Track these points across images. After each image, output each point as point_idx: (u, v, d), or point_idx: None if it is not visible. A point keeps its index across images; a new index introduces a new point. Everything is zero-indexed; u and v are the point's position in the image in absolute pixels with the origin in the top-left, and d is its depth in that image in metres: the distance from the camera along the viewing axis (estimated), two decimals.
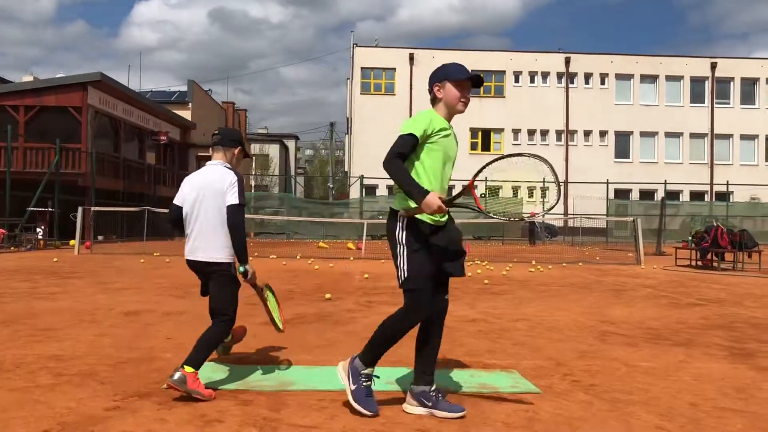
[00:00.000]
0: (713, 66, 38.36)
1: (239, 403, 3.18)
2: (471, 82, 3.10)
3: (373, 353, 3.06)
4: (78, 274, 10.13)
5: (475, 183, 3.02)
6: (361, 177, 33.57)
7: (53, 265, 11.93)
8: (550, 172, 3.03)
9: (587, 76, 38.12)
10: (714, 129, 38.42)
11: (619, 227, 30.98)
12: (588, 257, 17.41)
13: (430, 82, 3.15)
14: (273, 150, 60.45)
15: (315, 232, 30.45)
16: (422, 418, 2.99)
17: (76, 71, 54.66)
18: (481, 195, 3.14)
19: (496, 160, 3.12)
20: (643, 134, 38.43)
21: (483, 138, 38.34)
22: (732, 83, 38.60)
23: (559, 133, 38.25)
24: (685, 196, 36.82)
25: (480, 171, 3.08)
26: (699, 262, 14.06)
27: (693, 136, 38.50)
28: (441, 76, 3.11)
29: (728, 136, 38.49)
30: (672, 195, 35.64)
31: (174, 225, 3.68)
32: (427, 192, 2.85)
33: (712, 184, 37.73)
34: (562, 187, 2.97)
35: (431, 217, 2.97)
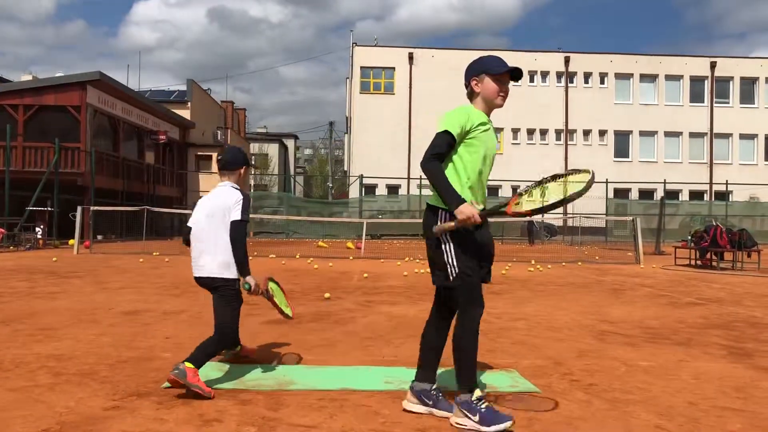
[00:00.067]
0: (712, 65, 38.37)
1: (238, 402, 3.18)
2: (510, 75, 2.98)
3: (467, 375, 2.90)
4: (77, 274, 10.12)
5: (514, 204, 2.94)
6: (361, 176, 33.57)
7: (52, 265, 11.93)
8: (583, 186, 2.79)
9: (587, 76, 38.12)
10: (713, 128, 38.43)
11: (618, 227, 31.02)
12: (587, 257, 17.42)
13: (467, 75, 3.04)
14: (272, 149, 60.46)
15: (314, 232, 30.46)
16: (421, 417, 2.99)
17: (76, 70, 54.62)
18: (516, 204, 2.97)
19: (541, 183, 2.99)
20: (642, 134, 38.44)
21: None
22: (731, 83, 38.61)
23: (558, 132, 38.25)
24: (684, 196, 36.85)
25: (521, 194, 2.98)
26: (698, 262, 14.07)
27: (692, 135, 38.51)
28: (478, 69, 3.00)
29: (727, 136, 38.50)
30: (671, 194, 35.67)
31: (188, 245, 3.80)
32: (463, 200, 2.78)
33: (711, 183, 37.75)
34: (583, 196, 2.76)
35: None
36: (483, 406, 2.82)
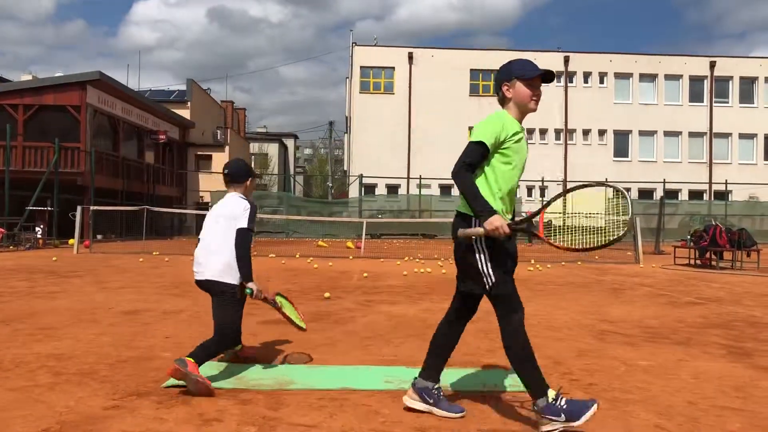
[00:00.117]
0: (712, 65, 38.37)
1: (238, 402, 3.18)
2: (541, 78, 2.93)
3: (536, 380, 2.83)
4: (77, 273, 10.12)
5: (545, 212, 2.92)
6: (360, 176, 33.56)
7: (52, 264, 11.93)
8: (627, 207, 2.85)
9: (586, 75, 38.11)
10: (713, 128, 38.43)
11: None
12: (587, 256, 17.42)
13: (497, 81, 2.99)
14: (272, 149, 60.41)
15: (314, 231, 30.45)
16: (421, 417, 2.99)
17: (75, 70, 54.61)
18: (546, 222, 2.94)
19: (573, 189, 2.98)
20: (642, 133, 38.44)
21: None
22: (731, 82, 38.61)
23: (558, 132, 38.24)
24: (683, 195, 36.87)
25: (551, 201, 2.97)
26: (698, 261, 14.07)
27: (692, 135, 38.51)
28: (509, 74, 2.95)
29: (727, 135, 38.50)
30: (671, 194, 35.69)
31: None
32: (493, 211, 2.75)
33: (710, 183, 37.76)
34: (633, 226, 2.78)
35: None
36: (562, 402, 2.76)
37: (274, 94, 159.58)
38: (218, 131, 38.89)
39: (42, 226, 19.88)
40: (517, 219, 2.93)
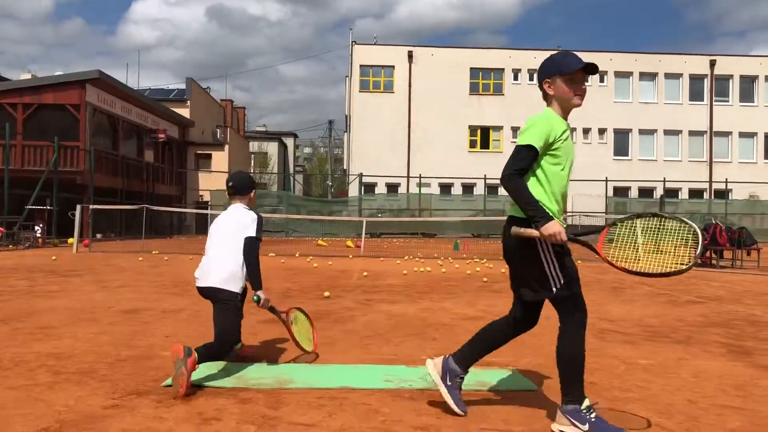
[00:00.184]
0: (712, 64, 38.37)
1: (238, 401, 3.18)
2: (584, 71, 2.79)
3: (577, 384, 2.79)
4: (77, 272, 10.12)
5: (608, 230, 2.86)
6: (360, 175, 33.56)
7: (52, 264, 11.92)
8: (698, 246, 2.78)
9: None
10: (713, 126, 38.44)
11: None
12: (587, 255, 17.40)
13: (539, 78, 2.88)
14: (272, 148, 60.40)
15: (314, 230, 30.47)
16: (421, 416, 2.99)
17: (75, 69, 54.47)
18: (608, 240, 2.86)
19: (643, 216, 2.90)
20: (642, 132, 38.44)
21: (482, 136, 38.34)
22: (731, 81, 38.61)
23: None
24: (683, 194, 36.88)
25: (620, 221, 2.90)
26: (698, 260, 14.06)
27: (692, 133, 38.52)
28: (549, 70, 2.83)
29: (727, 134, 38.51)
30: (671, 193, 35.72)
31: None
32: (550, 218, 2.65)
33: (711, 181, 37.77)
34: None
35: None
36: (593, 415, 2.72)
37: (274, 92, 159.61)
38: (218, 130, 38.89)
39: (41, 225, 19.88)
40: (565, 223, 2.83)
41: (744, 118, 38.23)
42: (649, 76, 38.54)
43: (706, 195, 37.37)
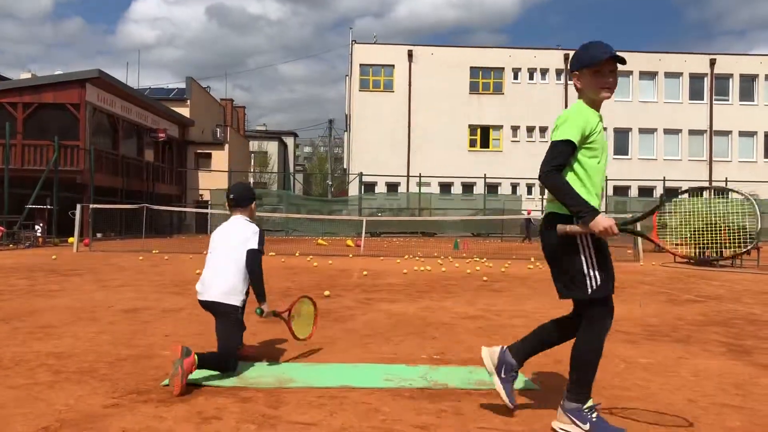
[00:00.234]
0: (712, 63, 38.36)
1: (238, 400, 3.18)
2: (612, 62, 2.70)
3: (585, 386, 2.75)
4: (77, 272, 10.12)
5: (658, 215, 2.76)
6: (360, 174, 33.56)
7: (52, 263, 11.93)
8: (755, 214, 2.67)
9: None
10: (713, 126, 38.44)
11: None
12: None
13: (570, 71, 2.82)
14: (272, 147, 60.42)
15: (314, 230, 30.49)
16: (421, 415, 2.99)
17: (74, 68, 54.45)
18: (660, 226, 2.79)
19: (692, 191, 2.82)
20: (641, 131, 38.44)
21: (482, 135, 38.34)
22: (731, 80, 38.61)
23: None
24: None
25: (664, 202, 2.80)
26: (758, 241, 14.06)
27: (692, 132, 38.53)
28: (576, 63, 2.76)
29: (727, 133, 38.52)
30: (671, 191, 35.69)
31: None
32: (597, 211, 2.57)
33: (710, 180, 37.77)
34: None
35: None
36: (594, 415, 2.69)
37: (274, 92, 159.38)
38: (218, 129, 38.89)
39: (41, 225, 19.90)
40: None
41: (744, 117, 38.23)
42: (649, 75, 38.53)
43: (706, 194, 37.34)
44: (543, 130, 38.04)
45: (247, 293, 3.83)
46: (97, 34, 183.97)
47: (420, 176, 34.31)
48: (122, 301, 6.66)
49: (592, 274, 2.68)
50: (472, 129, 38.20)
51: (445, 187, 36.88)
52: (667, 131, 38.40)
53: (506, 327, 5.47)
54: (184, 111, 36.03)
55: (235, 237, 3.83)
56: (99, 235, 22.02)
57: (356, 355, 4.25)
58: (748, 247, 2.63)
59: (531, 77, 38.31)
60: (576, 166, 2.70)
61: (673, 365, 4.10)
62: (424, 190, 34.63)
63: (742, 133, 38.46)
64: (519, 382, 3.58)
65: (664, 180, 33.63)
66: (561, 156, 2.65)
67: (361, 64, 38.02)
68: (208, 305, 3.77)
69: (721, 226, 2.81)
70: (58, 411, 2.95)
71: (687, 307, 6.96)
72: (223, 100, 47.69)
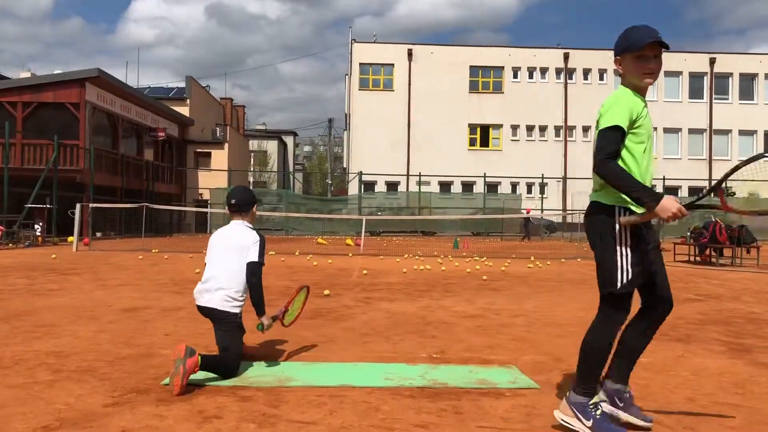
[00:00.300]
0: (712, 61, 38.36)
1: (238, 399, 3.18)
2: (656, 46, 2.62)
3: (591, 378, 2.73)
4: (76, 271, 10.12)
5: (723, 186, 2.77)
6: (360, 173, 33.55)
7: (51, 262, 11.92)
8: None
9: (586, 72, 38.09)
10: (712, 124, 38.45)
11: None
12: (586, 253, 17.41)
13: (615, 55, 2.77)
14: (271, 146, 60.40)
15: (313, 229, 30.48)
16: (420, 414, 2.99)
17: (74, 68, 54.50)
18: (728, 194, 2.86)
19: (747, 162, 2.79)
20: None
21: (481, 134, 38.34)
22: (731, 79, 38.62)
23: (557, 128, 38.24)
24: (683, 192, 36.89)
25: (729, 174, 2.79)
26: (697, 258, 14.08)
27: (691, 131, 38.54)
28: (618, 48, 2.71)
29: (727, 132, 38.53)
30: (670, 190, 35.67)
31: None
32: (661, 195, 2.49)
33: (710, 179, 37.76)
34: None
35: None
36: (598, 412, 2.66)
37: (273, 91, 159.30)
38: (217, 128, 38.87)
39: (41, 224, 19.88)
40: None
41: (743, 116, 38.24)
42: None
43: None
44: (543, 128, 38.05)
45: (245, 299, 3.82)
46: (96, 34, 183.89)
47: (420, 175, 34.30)
48: (122, 300, 6.66)
49: (626, 267, 2.66)
50: (472, 128, 38.19)
51: (445, 186, 36.88)
52: (666, 130, 38.39)
53: (506, 326, 5.47)
54: (184, 110, 36.00)
55: (235, 244, 3.78)
56: (98, 234, 22.01)
57: (356, 354, 4.25)
58: None
59: (531, 76, 38.30)
60: (624, 153, 2.64)
61: (673, 364, 4.10)
62: (423, 189, 34.61)
63: (741, 132, 38.47)
64: (518, 381, 3.58)
65: (663, 179, 33.61)
66: (612, 143, 2.57)
67: (360, 63, 38.00)
68: (206, 311, 3.76)
69: None
70: (57, 410, 2.95)
71: (687, 305, 6.96)
72: (223, 99, 47.65)
